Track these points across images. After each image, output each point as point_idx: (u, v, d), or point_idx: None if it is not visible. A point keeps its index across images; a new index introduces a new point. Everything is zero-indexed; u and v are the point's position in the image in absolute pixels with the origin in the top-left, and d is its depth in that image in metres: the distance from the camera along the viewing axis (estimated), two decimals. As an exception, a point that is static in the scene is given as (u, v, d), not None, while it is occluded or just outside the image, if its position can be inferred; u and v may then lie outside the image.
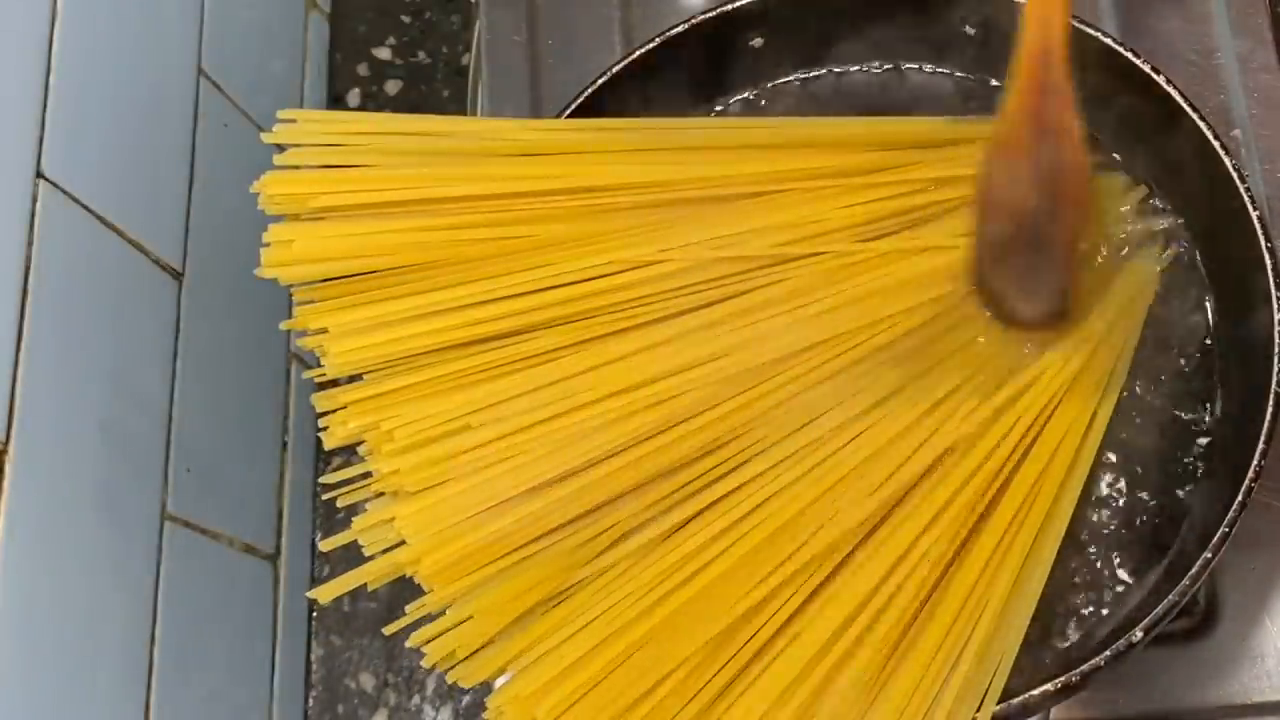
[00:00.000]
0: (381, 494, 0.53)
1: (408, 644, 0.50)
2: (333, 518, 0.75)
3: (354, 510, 0.55)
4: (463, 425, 0.53)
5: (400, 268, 0.55)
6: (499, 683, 0.51)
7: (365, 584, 0.52)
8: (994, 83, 0.66)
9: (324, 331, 0.54)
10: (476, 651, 0.51)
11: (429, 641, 0.50)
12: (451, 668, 0.51)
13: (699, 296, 0.57)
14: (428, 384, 0.54)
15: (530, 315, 0.55)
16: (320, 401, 0.54)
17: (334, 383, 0.54)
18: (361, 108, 0.80)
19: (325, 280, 0.55)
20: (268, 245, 0.53)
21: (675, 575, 0.52)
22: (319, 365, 0.54)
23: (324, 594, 0.52)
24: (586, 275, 0.56)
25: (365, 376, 0.54)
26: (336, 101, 0.82)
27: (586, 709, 0.50)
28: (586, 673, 0.50)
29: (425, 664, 0.51)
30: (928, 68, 0.67)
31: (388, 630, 0.51)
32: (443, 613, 0.51)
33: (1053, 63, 0.53)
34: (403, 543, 0.51)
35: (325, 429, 0.53)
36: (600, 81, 0.63)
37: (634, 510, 0.53)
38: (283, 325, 0.55)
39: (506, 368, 0.55)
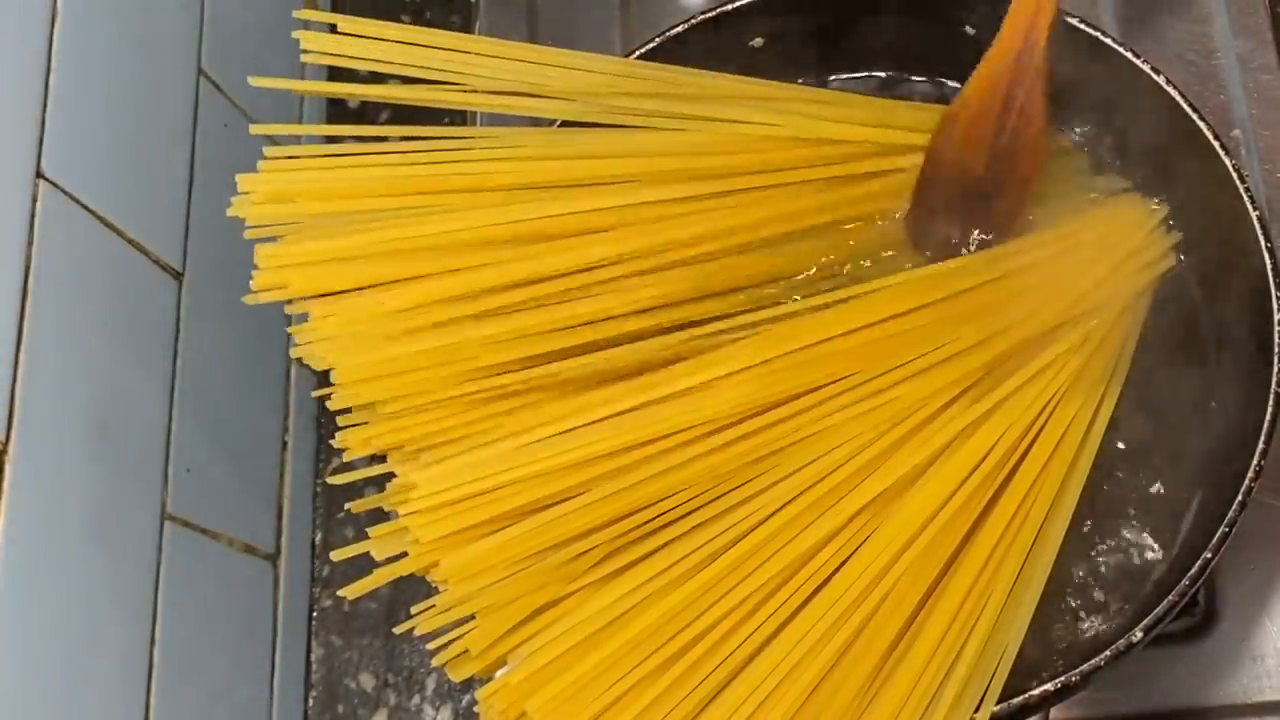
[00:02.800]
0: (394, 505, 0.53)
1: (416, 631, 0.52)
2: (333, 518, 0.75)
3: (355, 510, 0.56)
4: (470, 436, 0.54)
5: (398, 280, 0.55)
6: (500, 672, 0.52)
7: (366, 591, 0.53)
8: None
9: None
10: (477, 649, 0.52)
11: (436, 638, 0.52)
12: (452, 660, 0.52)
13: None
14: (440, 404, 0.54)
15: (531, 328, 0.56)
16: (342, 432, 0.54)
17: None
18: (361, 107, 0.80)
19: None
20: (260, 270, 0.54)
21: (662, 579, 0.53)
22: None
23: (352, 591, 0.53)
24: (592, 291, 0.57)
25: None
26: (336, 101, 0.82)
27: (576, 705, 0.51)
28: (576, 670, 0.51)
29: (435, 662, 0.52)
30: (929, 65, 0.67)
31: (398, 630, 0.53)
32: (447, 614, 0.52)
33: (1035, 42, 0.55)
34: (405, 554, 0.52)
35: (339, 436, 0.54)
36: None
37: (633, 524, 0.54)
38: (290, 329, 0.55)
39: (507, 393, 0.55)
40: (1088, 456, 0.58)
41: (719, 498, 0.55)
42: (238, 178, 0.55)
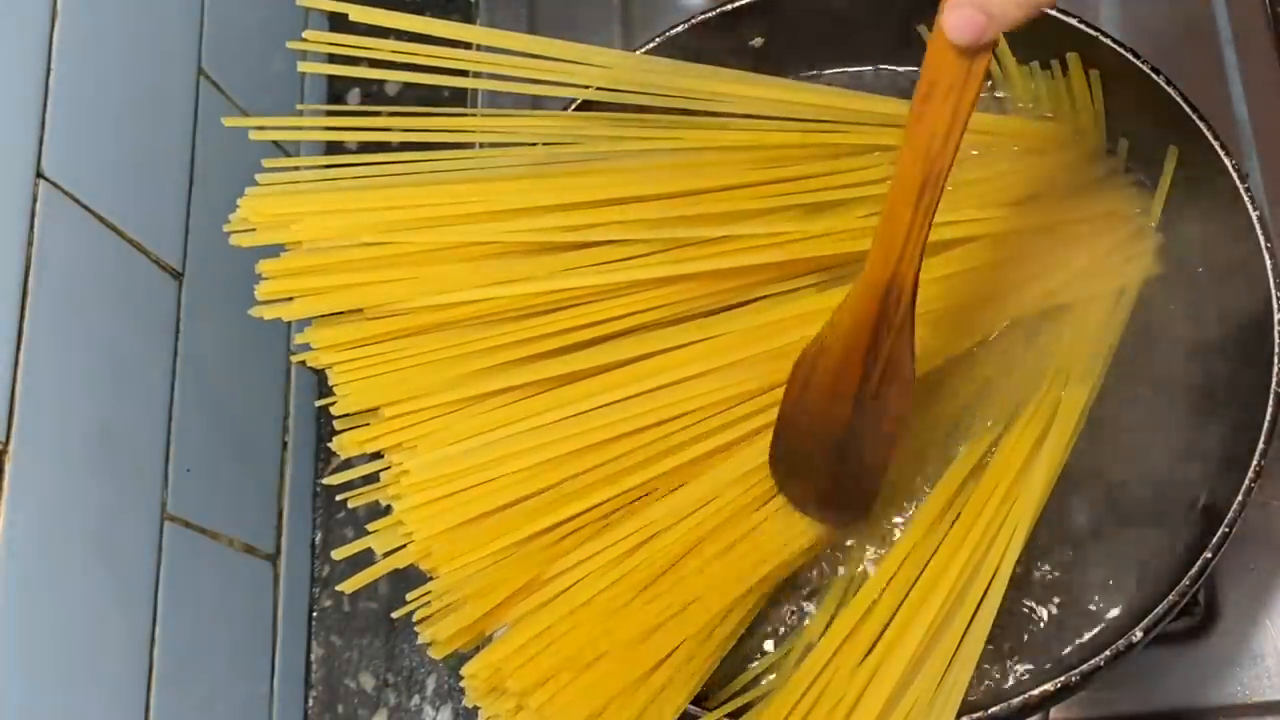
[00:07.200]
0: (388, 497, 0.55)
1: (415, 626, 0.53)
2: (333, 518, 0.75)
3: (355, 510, 0.56)
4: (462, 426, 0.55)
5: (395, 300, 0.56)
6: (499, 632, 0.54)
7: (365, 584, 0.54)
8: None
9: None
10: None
11: (430, 620, 0.53)
12: (440, 640, 0.53)
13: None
14: (438, 407, 0.55)
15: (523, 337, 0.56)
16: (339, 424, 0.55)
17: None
18: (361, 108, 0.80)
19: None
20: (265, 279, 0.54)
21: (627, 563, 0.54)
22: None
23: (349, 586, 0.53)
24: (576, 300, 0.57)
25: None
26: (336, 101, 0.82)
27: (552, 680, 0.52)
28: (553, 646, 0.52)
29: (423, 641, 0.53)
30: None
31: (396, 614, 0.54)
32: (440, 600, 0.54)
33: (900, 299, 0.48)
34: (405, 545, 0.53)
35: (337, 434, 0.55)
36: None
37: (614, 507, 0.55)
38: (294, 358, 0.56)
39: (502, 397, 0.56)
40: (1058, 453, 0.58)
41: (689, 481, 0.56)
42: (238, 202, 0.55)
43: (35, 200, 0.53)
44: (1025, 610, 0.58)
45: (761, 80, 0.62)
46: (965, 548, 0.56)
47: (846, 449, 0.53)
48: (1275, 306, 0.56)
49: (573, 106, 0.62)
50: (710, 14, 0.65)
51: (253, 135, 0.58)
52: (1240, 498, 0.54)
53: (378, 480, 0.55)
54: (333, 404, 0.54)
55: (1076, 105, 0.63)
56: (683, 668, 0.54)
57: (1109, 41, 0.61)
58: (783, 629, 0.59)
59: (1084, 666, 0.53)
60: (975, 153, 0.62)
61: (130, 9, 0.62)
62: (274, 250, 0.56)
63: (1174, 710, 0.64)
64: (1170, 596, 0.53)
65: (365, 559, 0.54)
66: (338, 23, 0.58)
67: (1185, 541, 0.58)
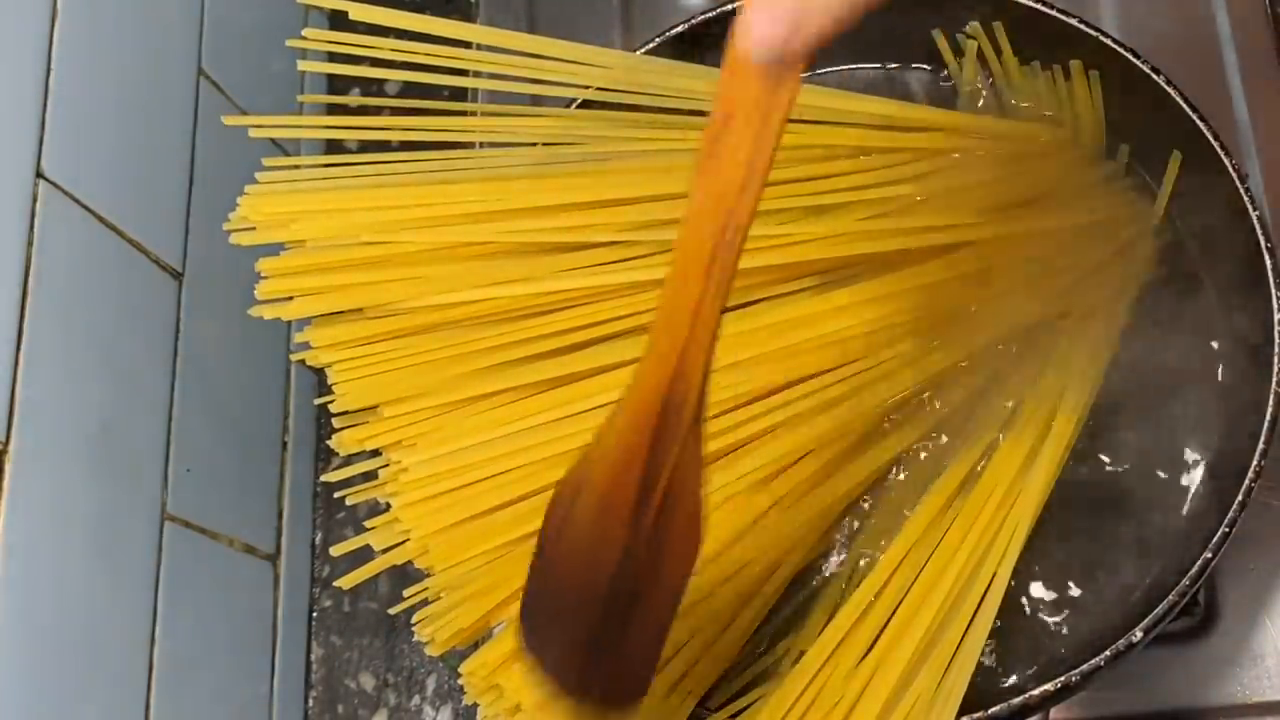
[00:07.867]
0: (387, 494, 0.55)
1: (413, 623, 0.53)
2: (333, 517, 0.75)
3: (355, 510, 0.56)
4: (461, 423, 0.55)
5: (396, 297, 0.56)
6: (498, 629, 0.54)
7: (363, 584, 0.54)
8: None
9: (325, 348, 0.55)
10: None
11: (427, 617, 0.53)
12: (437, 638, 0.53)
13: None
14: (437, 406, 0.56)
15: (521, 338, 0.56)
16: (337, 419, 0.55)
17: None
18: (361, 108, 0.80)
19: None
20: (264, 278, 0.55)
21: None
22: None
23: (347, 581, 0.53)
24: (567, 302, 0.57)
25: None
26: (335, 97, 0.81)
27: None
28: None
29: (419, 638, 0.53)
30: (929, 66, 0.67)
31: (394, 610, 0.54)
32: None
33: (685, 404, 0.37)
34: (403, 542, 0.54)
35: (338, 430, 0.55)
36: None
37: None
38: (293, 357, 0.56)
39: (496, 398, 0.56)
40: (1058, 454, 0.58)
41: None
42: (238, 201, 0.55)
43: (35, 200, 0.53)
44: (1024, 610, 0.58)
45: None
46: (965, 548, 0.56)
47: (616, 607, 0.41)
48: (1275, 306, 0.56)
49: (573, 106, 0.62)
50: (710, 14, 0.65)
51: (252, 133, 0.58)
52: (1240, 498, 0.54)
53: (376, 478, 0.55)
54: (332, 402, 0.54)
55: (1076, 107, 0.63)
56: (691, 670, 0.54)
57: (1109, 41, 0.61)
58: (781, 629, 0.59)
59: (1084, 666, 0.53)
60: (957, 156, 0.62)
61: (130, 9, 0.62)
62: (274, 249, 0.56)
63: (1174, 710, 0.64)
64: (1170, 596, 0.53)
65: (365, 558, 0.54)
66: (338, 21, 0.58)
67: (1185, 542, 0.58)
